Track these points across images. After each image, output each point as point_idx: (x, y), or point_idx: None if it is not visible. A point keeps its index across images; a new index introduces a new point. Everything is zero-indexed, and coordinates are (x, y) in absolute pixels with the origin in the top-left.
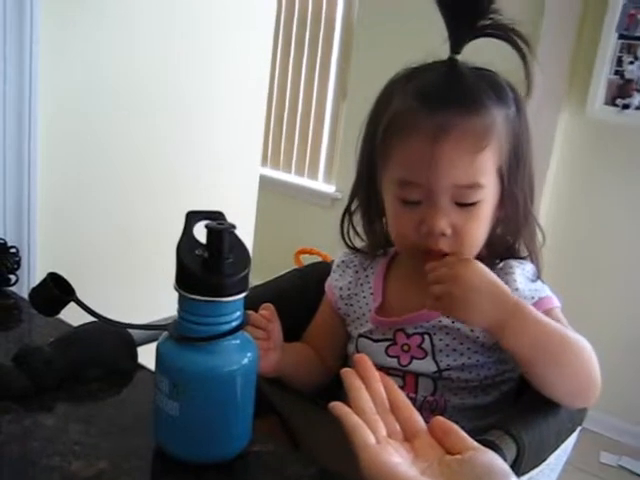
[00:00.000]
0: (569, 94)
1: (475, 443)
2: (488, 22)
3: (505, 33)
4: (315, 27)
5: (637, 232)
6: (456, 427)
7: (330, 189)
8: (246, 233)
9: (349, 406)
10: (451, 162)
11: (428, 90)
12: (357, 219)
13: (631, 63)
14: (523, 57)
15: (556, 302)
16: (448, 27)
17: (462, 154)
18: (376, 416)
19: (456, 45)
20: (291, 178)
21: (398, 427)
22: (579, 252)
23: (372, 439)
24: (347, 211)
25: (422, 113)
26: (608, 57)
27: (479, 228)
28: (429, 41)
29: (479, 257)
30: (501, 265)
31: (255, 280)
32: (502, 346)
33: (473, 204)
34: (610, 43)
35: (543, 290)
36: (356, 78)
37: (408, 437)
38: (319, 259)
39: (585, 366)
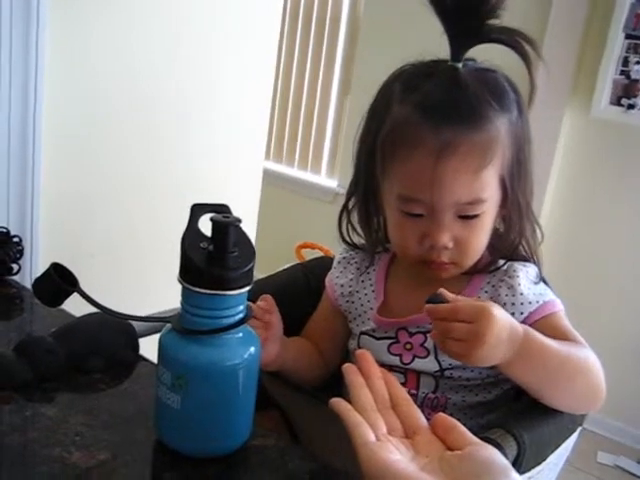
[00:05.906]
0: (574, 93)
1: (475, 439)
2: (490, 28)
3: (510, 38)
4: (321, 22)
5: None
6: (458, 424)
7: (333, 184)
8: (249, 226)
9: (350, 402)
10: (455, 180)
11: (430, 103)
12: (355, 217)
13: (637, 63)
14: (528, 64)
15: (559, 305)
16: (448, 35)
17: (466, 172)
18: (376, 413)
19: (457, 53)
20: (294, 172)
21: (399, 424)
22: (582, 253)
23: (372, 436)
24: (344, 209)
25: (425, 128)
26: (614, 57)
27: (480, 238)
28: (434, 38)
29: (481, 260)
30: (505, 267)
31: (256, 273)
32: (507, 376)
33: (475, 216)
34: (617, 43)
35: (547, 293)
36: (360, 73)
37: (409, 433)
38: (321, 254)
39: (589, 380)
